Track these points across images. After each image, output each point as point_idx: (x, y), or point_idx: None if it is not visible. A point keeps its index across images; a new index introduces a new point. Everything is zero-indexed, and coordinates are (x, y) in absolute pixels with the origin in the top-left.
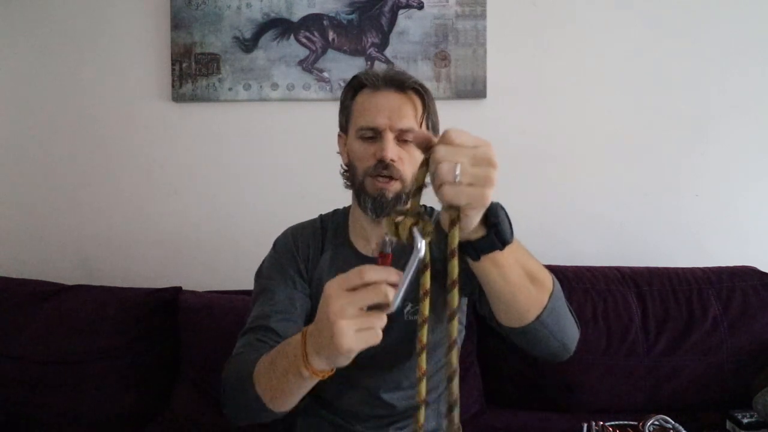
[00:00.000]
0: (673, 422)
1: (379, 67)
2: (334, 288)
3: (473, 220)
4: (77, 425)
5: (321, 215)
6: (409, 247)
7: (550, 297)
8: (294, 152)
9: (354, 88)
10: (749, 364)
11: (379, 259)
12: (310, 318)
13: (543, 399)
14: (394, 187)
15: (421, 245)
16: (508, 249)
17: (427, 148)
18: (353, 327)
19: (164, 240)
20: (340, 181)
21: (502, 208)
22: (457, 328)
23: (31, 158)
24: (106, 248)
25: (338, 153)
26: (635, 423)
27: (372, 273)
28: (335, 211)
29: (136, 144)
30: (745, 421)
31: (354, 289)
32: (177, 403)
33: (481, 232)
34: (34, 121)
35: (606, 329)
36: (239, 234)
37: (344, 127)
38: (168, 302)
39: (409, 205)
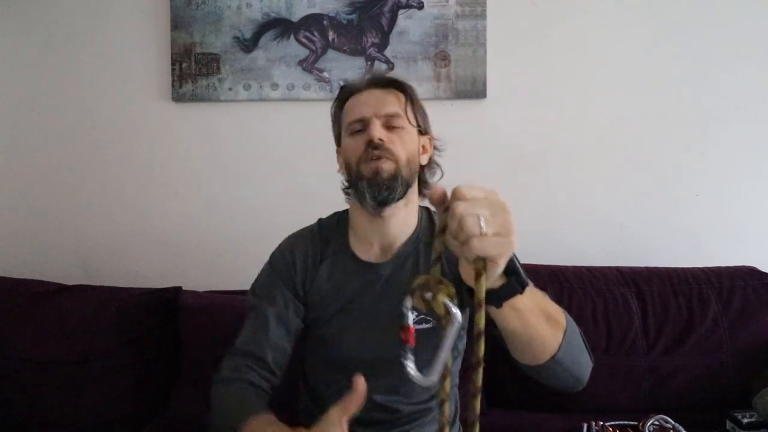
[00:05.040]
0: (673, 422)
1: (362, 72)
2: None
3: (500, 268)
4: (77, 425)
5: (320, 220)
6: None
7: (564, 334)
8: (294, 152)
9: (342, 99)
10: (749, 364)
11: (401, 334)
12: (300, 336)
13: (543, 399)
14: (388, 165)
15: (458, 315)
16: (526, 292)
17: (442, 203)
18: None
19: (164, 240)
20: (341, 180)
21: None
22: (481, 375)
23: (31, 158)
24: (106, 248)
25: (339, 171)
26: (635, 423)
27: None
28: (335, 215)
29: (136, 144)
30: (745, 421)
31: None
32: (177, 403)
33: (501, 280)
34: (34, 121)
35: (606, 329)
36: (239, 234)
37: (338, 138)
38: (168, 302)
39: (431, 275)
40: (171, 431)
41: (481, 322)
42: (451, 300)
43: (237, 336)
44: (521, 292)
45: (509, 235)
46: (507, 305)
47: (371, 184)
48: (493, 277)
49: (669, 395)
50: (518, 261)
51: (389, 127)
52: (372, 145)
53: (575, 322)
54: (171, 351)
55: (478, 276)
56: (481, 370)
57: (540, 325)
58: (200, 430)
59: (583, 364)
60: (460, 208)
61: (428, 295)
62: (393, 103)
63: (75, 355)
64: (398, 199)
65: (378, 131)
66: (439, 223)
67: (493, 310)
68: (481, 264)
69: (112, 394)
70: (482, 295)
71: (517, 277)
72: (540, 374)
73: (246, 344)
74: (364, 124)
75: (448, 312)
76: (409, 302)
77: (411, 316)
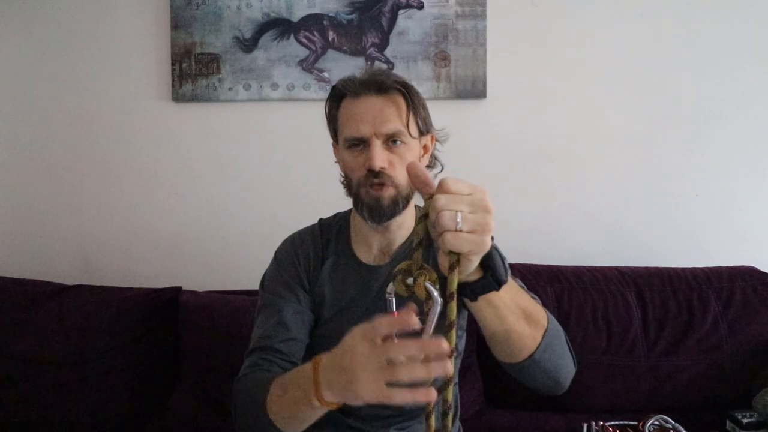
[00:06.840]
0: (673, 422)
1: (360, 71)
2: (358, 338)
3: (473, 264)
4: (77, 425)
5: (320, 220)
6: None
7: (544, 335)
8: (294, 152)
9: (336, 98)
10: (749, 364)
11: None
12: (313, 330)
13: (543, 399)
14: (389, 192)
15: (439, 299)
16: (504, 288)
17: (425, 185)
18: (374, 380)
19: (164, 240)
20: (339, 173)
21: (496, 247)
22: (453, 364)
23: (31, 158)
24: (106, 248)
25: (336, 162)
26: (635, 423)
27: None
28: (336, 216)
29: (136, 144)
30: (745, 421)
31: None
32: (177, 403)
33: (478, 274)
34: (34, 120)
35: (606, 329)
36: (239, 234)
37: (335, 137)
38: (168, 302)
39: (412, 260)
40: (171, 431)
41: (453, 314)
42: (433, 285)
43: (251, 335)
44: (497, 289)
45: (484, 234)
46: (482, 300)
47: (372, 210)
48: (467, 272)
49: (669, 395)
50: (501, 257)
51: (390, 144)
52: (373, 173)
53: (574, 323)
54: (171, 351)
55: (451, 269)
56: (452, 360)
57: (517, 322)
58: (200, 430)
59: (564, 368)
60: (441, 201)
61: (410, 280)
62: (393, 117)
63: (75, 355)
64: (399, 215)
65: (379, 158)
66: (423, 208)
67: (470, 303)
68: (455, 257)
69: (112, 393)
70: (454, 287)
71: (493, 273)
72: (518, 373)
73: (262, 340)
74: (363, 143)
75: (429, 296)
76: (391, 288)
77: (395, 302)
